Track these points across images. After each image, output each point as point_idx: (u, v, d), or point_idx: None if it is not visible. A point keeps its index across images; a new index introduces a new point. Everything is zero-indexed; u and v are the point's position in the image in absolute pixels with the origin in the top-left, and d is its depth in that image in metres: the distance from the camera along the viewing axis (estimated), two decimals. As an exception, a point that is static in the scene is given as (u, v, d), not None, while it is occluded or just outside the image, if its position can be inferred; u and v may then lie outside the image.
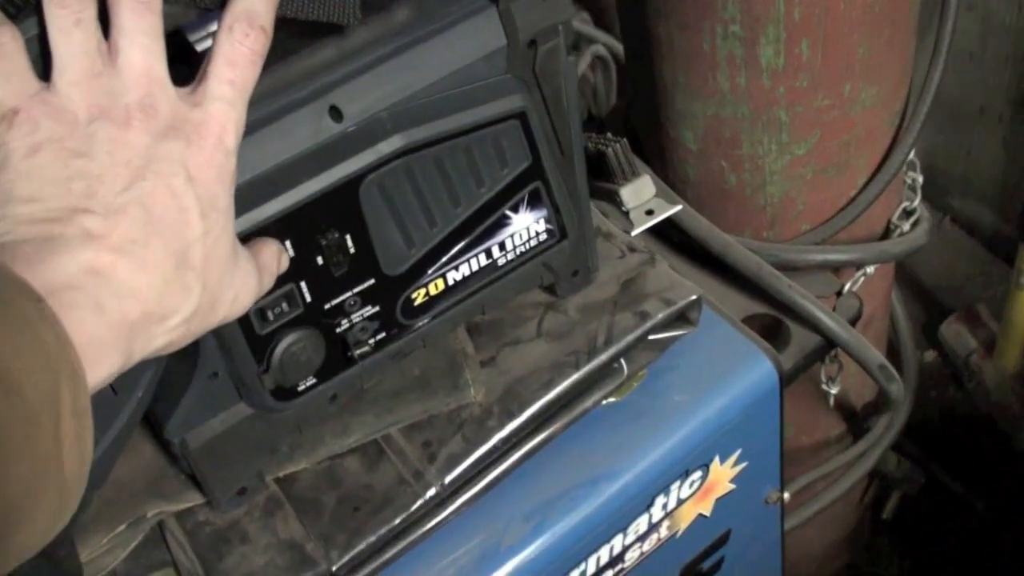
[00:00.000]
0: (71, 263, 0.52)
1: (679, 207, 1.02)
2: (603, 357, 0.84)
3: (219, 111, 0.59)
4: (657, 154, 1.11)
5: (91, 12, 0.56)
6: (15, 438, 0.46)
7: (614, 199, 1.02)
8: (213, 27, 0.63)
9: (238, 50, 0.59)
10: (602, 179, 1.02)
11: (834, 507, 1.38)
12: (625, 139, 1.00)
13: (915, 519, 1.76)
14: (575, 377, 0.83)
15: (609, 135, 1.03)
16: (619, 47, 1.60)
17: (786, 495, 1.08)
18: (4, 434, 0.45)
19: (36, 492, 0.48)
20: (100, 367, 0.53)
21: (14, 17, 0.57)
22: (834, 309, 1.07)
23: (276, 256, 0.67)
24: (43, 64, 0.57)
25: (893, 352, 1.47)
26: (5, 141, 0.55)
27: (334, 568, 0.76)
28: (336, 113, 0.69)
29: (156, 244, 0.56)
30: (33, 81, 0.56)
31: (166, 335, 0.58)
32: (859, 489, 1.57)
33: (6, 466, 0.46)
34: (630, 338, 0.85)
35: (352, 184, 0.70)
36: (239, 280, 0.62)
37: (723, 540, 1.02)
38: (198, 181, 0.58)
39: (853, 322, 1.07)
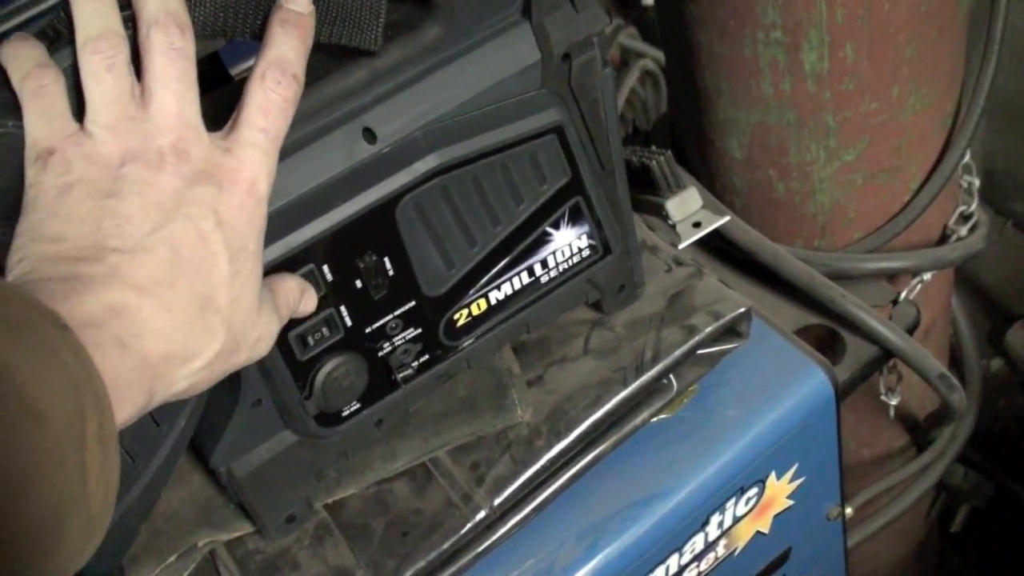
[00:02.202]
0: (95, 302, 0.52)
1: (727, 218, 1.00)
2: (651, 373, 0.82)
3: (252, 158, 0.59)
4: (703, 165, 1.09)
5: (123, 56, 0.57)
6: (40, 464, 0.46)
7: (660, 212, 1.01)
8: (249, 60, 0.63)
9: (271, 98, 0.60)
10: (647, 192, 1.01)
11: (900, 522, 1.34)
12: (670, 151, 0.99)
13: (986, 532, 1.71)
14: (623, 394, 0.81)
15: (653, 147, 1.01)
16: (667, 61, 1.59)
17: (848, 510, 1.06)
18: (30, 460, 0.45)
19: (62, 521, 0.47)
20: (122, 408, 0.52)
21: (53, 42, 0.58)
22: (890, 318, 1.04)
23: (296, 293, 0.66)
24: (76, 101, 0.57)
25: (956, 361, 1.44)
26: (39, 180, 0.55)
27: (384, 595, 0.75)
28: (370, 135, 0.68)
29: (182, 286, 0.56)
30: (71, 123, 0.56)
31: (188, 378, 0.57)
32: (925, 503, 1.53)
33: (33, 492, 0.45)
34: (678, 353, 0.83)
35: (388, 205, 0.69)
36: (263, 322, 0.61)
37: (784, 558, 1.00)
38: (228, 225, 0.58)
39: (911, 331, 1.04)
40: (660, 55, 1.75)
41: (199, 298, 0.56)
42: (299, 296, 0.66)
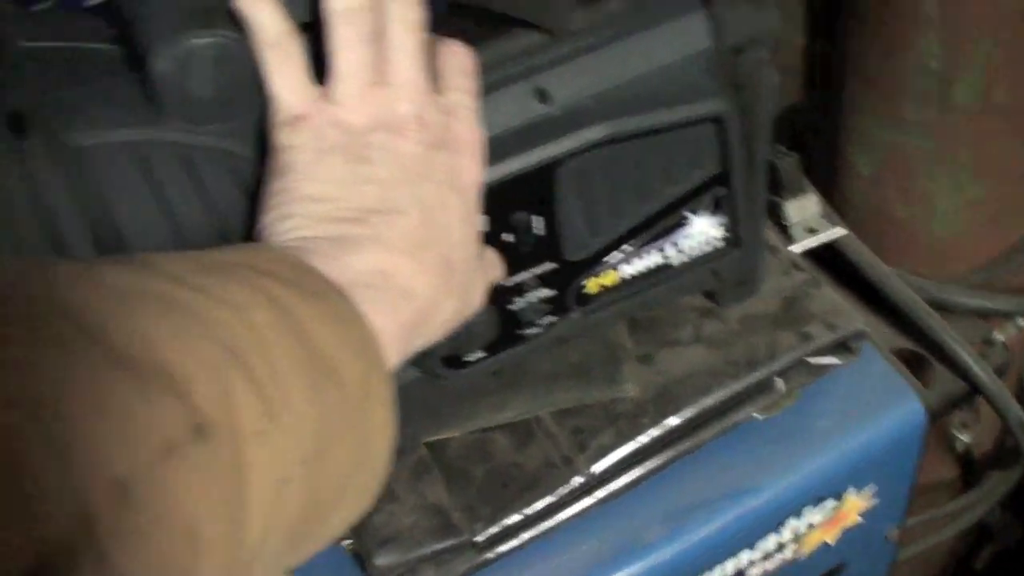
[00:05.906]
0: (363, 262, 0.55)
1: (844, 232, 1.01)
2: (763, 372, 0.83)
3: (470, 121, 0.62)
4: (824, 172, 1.09)
5: (371, 27, 0.58)
6: (340, 423, 0.49)
7: (774, 211, 1.02)
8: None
9: (466, 58, 0.63)
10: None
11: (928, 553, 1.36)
12: (797, 154, 1.00)
13: (1010, 573, 1.73)
14: (733, 387, 0.83)
15: (781, 148, 1.02)
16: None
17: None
18: (332, 418, 0.48)
19: (353, 476, 0.51)
20: None
21: None
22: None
23: (495, 262, 0.69)
24: (316, 69, 0.59)
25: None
26: (293, 143, 0.57)
27: (476, 539, 0.77)
28: (543, 95, 0.69)
29: (433, 248, 0.58)
30: (314, 89, 0.58)
31: (430, 336, 0.60)
32: (958, 537, 1.55)
33: (332, 448, 0.48)
34: (791, 357, 0.84)
35: (551, 167, 0.70)
36: (478, 282, 0.64)
37: (837, 570, 1.01)
38: (461, 189, 0.60)
39: (999, 373, 1.05)
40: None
41: (443, 260, 0.59)
42: (498, 265, 0.69)
